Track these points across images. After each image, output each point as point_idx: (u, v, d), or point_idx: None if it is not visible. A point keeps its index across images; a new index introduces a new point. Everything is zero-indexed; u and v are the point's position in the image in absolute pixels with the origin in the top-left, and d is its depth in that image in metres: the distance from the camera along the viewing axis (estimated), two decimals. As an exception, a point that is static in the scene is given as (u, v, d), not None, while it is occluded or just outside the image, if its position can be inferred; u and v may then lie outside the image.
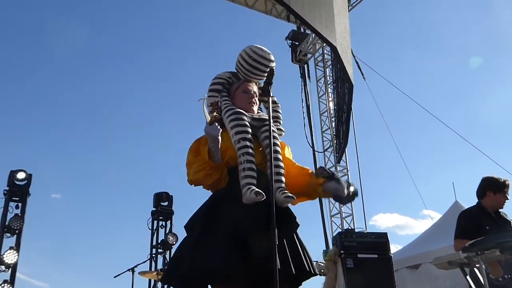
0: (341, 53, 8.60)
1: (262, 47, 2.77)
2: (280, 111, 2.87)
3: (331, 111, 11.08)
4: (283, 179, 2.55)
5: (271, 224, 2.20)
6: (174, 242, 9.11)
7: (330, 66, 11.35)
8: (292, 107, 10.94)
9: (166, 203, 9.44)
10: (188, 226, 2.52)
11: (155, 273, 7.22)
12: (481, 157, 9.16)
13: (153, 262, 9.04)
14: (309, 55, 11.68)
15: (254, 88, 2.80)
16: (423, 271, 7.56)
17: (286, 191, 2.48)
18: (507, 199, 4.31)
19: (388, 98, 19.43)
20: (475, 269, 3.81)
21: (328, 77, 11.41)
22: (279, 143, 2.67)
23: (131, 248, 16.61)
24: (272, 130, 2.50)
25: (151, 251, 9.13)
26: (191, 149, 2.59)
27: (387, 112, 14.56)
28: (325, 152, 10.83)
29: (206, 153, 2.45)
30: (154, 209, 9.40)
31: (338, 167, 10.54)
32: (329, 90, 11.29)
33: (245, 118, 2.63)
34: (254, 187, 2.40)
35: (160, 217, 9.40)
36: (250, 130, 2.60)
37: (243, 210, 2.39)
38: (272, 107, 2.60)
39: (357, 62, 10.64)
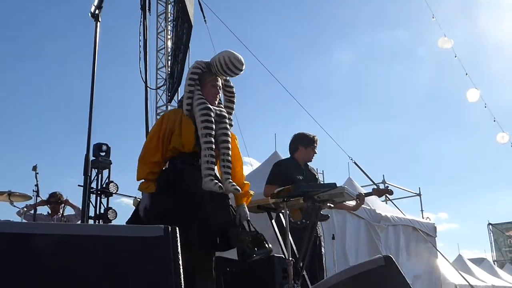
0: (184, -9, 8.38)
1: (240, 59, 3.28)
2: (234, 100, 3.46)
3: (169, 49, 10.86)
4: (230, 171, 3.20)
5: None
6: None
7: (173, 3, 11.04)
8: (129, 39, 10.50)
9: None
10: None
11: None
12: (303, 114, 9.77)
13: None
14: (152, -12, 11.19)
15: (220, 83, 3.36)
16: (237, 213, 7.94)
17: (234, 183, 3.16)
18: (316, 153, 4.83)
19: (228, 45, 19.70)
20: (280, 214, 4.12)
21: (169, 14, 11.09)
22: (230, 139, 3.26)
23: None
24: (226, 127, 3.26)
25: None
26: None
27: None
28: (158, 89, 10.66)
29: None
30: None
31: (169, 106, 10.48)
32: (169, 28, 11.01)
33: (211, 114, 3.18)
34: (216, 180, 3.06)
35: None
36: (214, 126, 3.17)
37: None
38: (228, 97, 3.44)
39: (200, 4, 10.48)
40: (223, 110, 3.35)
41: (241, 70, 3.31)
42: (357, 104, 23.86)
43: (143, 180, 3.14)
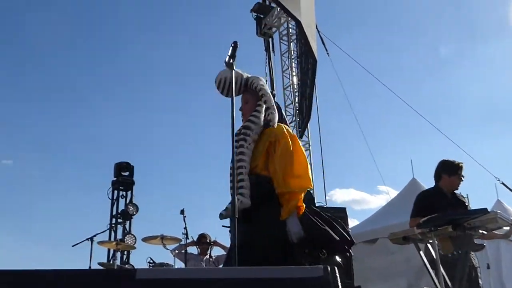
0: (306, 28, 8.57)
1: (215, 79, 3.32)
2: (259, 86, 3.33)
3: (295, 86, 11.09)
4: (242, 184, 3.00)
5: None
6: (134, 212, 9.02)
7: (295, 41, 11.31)
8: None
9: (127, 173, 9.31)
10: None
11: (114, 243, 7.23)
12: (439, 136, 9.34)
13: (112, 232, 8.99)
14: (274, 29, 11.58)
15: (244, 99, 3.39)
16: (380, 245, 7.70)
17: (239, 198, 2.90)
18: (462, 180, 4.53)
19: (351, 74, 19.57)
20: (428, 244, 3.91)
21: (292, 51, 11.36)
22: (243, 151, 3.11)
23: (90, 218, 16.38)
24: (241, 138, 3.16)
25: (111, 221, 9.06)
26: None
27: (350, 88, 14.65)
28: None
29: None
30: (115, 179, 9.27)
31: (300, 141, 10.61)
32: (293, 64, 11.27)
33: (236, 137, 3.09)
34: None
35: (121, 187, 9.29)
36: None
37: None
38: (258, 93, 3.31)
39: (321, 38, 10.62)
40: (246, 124, 3.27)
41: (218, 88, 3.32)
42: (496, 118, 22.11)
43: None
